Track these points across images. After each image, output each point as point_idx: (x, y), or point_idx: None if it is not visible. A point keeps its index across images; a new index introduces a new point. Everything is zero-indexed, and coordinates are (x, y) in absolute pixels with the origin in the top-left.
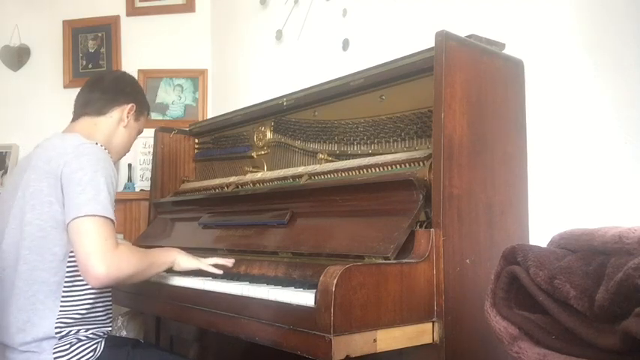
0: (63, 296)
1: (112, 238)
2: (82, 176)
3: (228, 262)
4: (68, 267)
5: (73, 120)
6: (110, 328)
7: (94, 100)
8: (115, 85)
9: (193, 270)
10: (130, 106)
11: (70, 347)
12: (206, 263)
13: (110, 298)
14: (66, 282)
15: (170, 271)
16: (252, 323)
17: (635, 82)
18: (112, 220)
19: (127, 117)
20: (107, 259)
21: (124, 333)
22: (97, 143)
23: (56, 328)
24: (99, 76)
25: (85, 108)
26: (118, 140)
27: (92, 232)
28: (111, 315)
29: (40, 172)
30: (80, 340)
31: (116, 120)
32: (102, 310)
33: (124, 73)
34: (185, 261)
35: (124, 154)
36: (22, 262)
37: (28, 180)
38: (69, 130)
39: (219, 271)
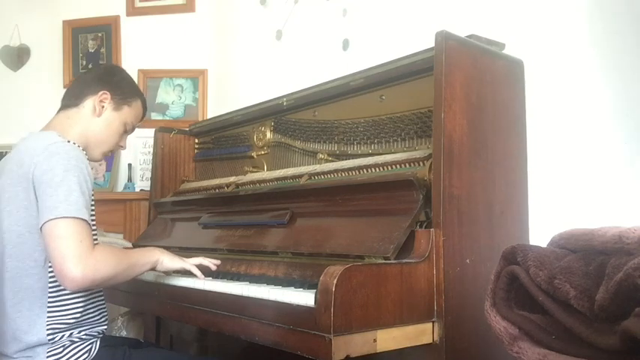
0: (50, 302)
1: (87, 239)
2: (53, 177)
3: (213, 263)
4: (51, 272)
5: (54, 116)
6: (105, 327)
7: (71, 92)
8: (93, 75)
9: (177, 270)
10: (101, 93)
11: (63, 350)
12: (190, 263)
13: (102, 299)
14: (50, 288)
15: (155, 271)
16: (252, 323)
17: (635, 82)
18: (86, 221)
19: (101, 106)
20: (82, 261)
21: (124, 333)
22: (69, 141)
23: (48, 334)
24: (88, 69)
25: (63, 102)
26: (95, 133)
27: (66, 234)
28: (105, 314)
29: (14, 176)
30: (73, 342)
31: (90, 110)
32: (95, 312)
33: (111, 65)
34: (169, 261)
35: (109, 150)
36: (4, 270)
37: (4, 185)
38: (46, 127)
39: (201, 275)
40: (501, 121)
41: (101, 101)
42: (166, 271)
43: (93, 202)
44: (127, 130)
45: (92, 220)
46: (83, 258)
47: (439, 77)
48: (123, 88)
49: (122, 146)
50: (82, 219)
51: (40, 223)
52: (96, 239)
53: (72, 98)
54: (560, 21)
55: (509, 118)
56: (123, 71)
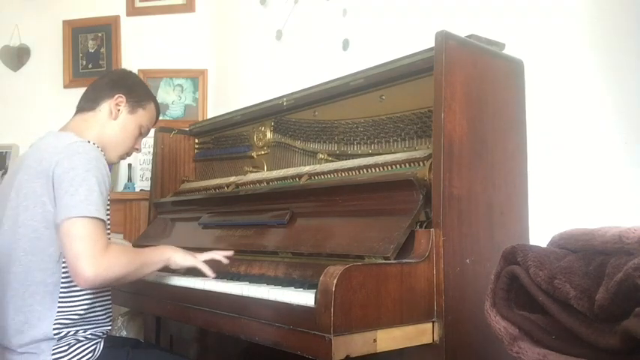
0: (60, 297)
1: (102, 239)
2: (74, 176)
3: (225, 256)
4: (64, 267)
5: (70, 119)
6: (109, 328)
7: (87, 96)
8: (108, 79)
9: (189, 267)
10: (117, 97)
11: (68, 348)
12: (201, 259)
13: (109, 298)
14: (63, 282)
15: (167, 269)
16: (252, 323)
17: (635, 82)
18: (102, 221)
19: (117, 109)
20: (96, 261)
21: (124, 333)
22: (89, 141)
23: (54, 329)
24: (102, 74)
25: (79, 105)
26: (111, 136)
27: (82, 234)
28: (110, 315)
29: (32, 172)
30: (79, 341)
31: (106, 114)
32: (101, 310)
33: (124, 69)
34: (180, 258)
35: (125, 152)
36: (17, 263)
37: (21, 181)
38: (63, 129)
39: (213, 274)
40: (501, 121)
41: (117, 104)
42: (179, 269)
43: (108, 203)
44: (142, 133)
45: (107, 220)
46: (97, 258)
47: (439, 77)
48: (137, 91)
49: (137, 149)
50: (100, 219)
51: (57, 220)
52: (109, 239)
53: (88, 102)
54: (560, 21)
55: (509, 118)
56: (136, 76)
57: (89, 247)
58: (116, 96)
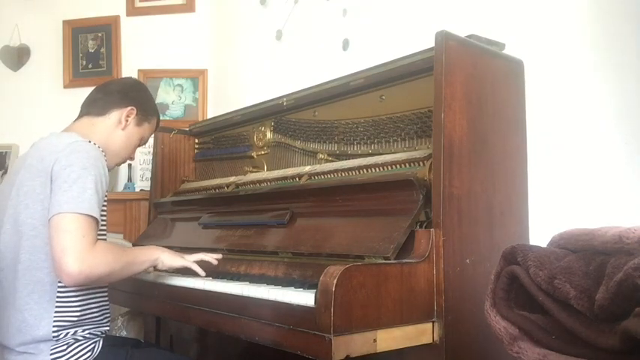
0: (58, 297)
1: (90, 235)
2: (70, 173)
3: (214, 258)
4: None
5: (75, 120)
6: (108, 328)
7: (97, 101)
8: (121, 87)
9: (179, 268)
10: (129, 109)
11: (67, 348)
12: (191, 260)
13: (106, 297)
14: (60, 282)
15: (156, 270)
16: (252, 323)
17: (635, 82)
18: (94, 219)
19: (126, 120)
20: (81, 257)
21: (124, 333)
22: (90, 141)
23: (54, 330)
24: (111, 80)
25: (87, 108)
26: (115, 143)
27: (70, 228)
28: (108, 314)
29: (33, 170)
30: (77, 341)
31: (114, 122)
32: (97, 310)
33: (136, 80)
34: (169, 259)
35: (122, 160)
36: (18, 262)
37: (22, 179)
38: (67, 129)
39: (203, 272)
40: (501, 120)
41: (127, 116)
42: (167, 270)
43: (105, 203)
44: (140, 144)
45: (103, 221)
46: (83, 253)
47: (439, 77)
48: (147, 106)
49: (133, 158)
50: (91, 216)
51: (48, 216)
52: (105, 239)
53: (97, 107)
54: (560, 21)
55: (509, 118)
56: (147, 88)
57: (76, 242)
58: (128, 108)
